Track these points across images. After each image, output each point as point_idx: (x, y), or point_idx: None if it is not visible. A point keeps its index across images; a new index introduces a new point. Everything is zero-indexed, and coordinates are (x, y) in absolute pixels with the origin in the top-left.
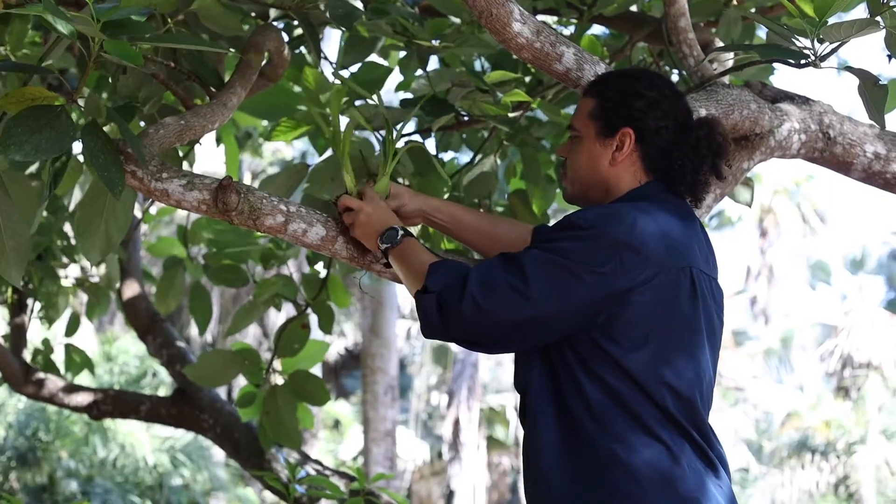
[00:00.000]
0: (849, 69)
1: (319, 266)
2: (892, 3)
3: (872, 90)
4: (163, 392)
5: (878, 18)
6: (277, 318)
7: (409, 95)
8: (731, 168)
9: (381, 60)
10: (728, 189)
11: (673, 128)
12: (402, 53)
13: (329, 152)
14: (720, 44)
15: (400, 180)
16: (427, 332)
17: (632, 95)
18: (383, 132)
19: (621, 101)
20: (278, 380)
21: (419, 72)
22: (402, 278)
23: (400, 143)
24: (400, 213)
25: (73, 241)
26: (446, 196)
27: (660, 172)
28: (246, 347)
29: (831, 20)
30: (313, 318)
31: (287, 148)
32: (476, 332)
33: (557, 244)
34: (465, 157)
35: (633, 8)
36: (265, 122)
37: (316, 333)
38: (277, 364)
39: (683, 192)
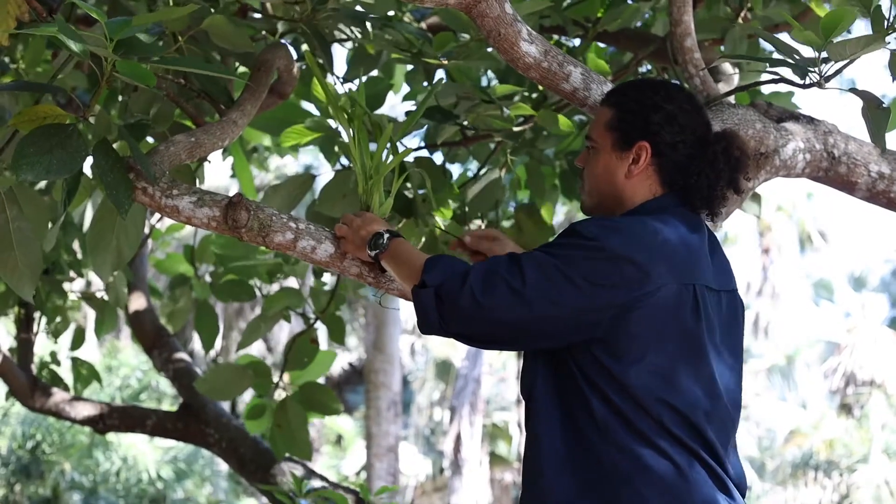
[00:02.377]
0: (853, 91)
1: (326, 277)
2: None
3: (875, 112)
4: (164, 405)
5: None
6: (282, 333)
7: (413, 107)
8: (749, 181)
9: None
10: (735, 206)
11: (691, 142)
12: (408, 67)
13: (338, 166)
14: (725, 63)
15: (407, 194)
16: (424, 327)
17: (649, 108)
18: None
19: (639, 113)
20: (288, 392)
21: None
22: (398, 280)
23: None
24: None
25: (80, 256)
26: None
27: (676, 185)
28: (254, 361)
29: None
30: (322, 332)
31: (292, 164)
32: (473, 327)
33: (560, 251)
34: (472, 166)
35: (638, 24)
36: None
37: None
38: (287, 377)
39: (699, 206)
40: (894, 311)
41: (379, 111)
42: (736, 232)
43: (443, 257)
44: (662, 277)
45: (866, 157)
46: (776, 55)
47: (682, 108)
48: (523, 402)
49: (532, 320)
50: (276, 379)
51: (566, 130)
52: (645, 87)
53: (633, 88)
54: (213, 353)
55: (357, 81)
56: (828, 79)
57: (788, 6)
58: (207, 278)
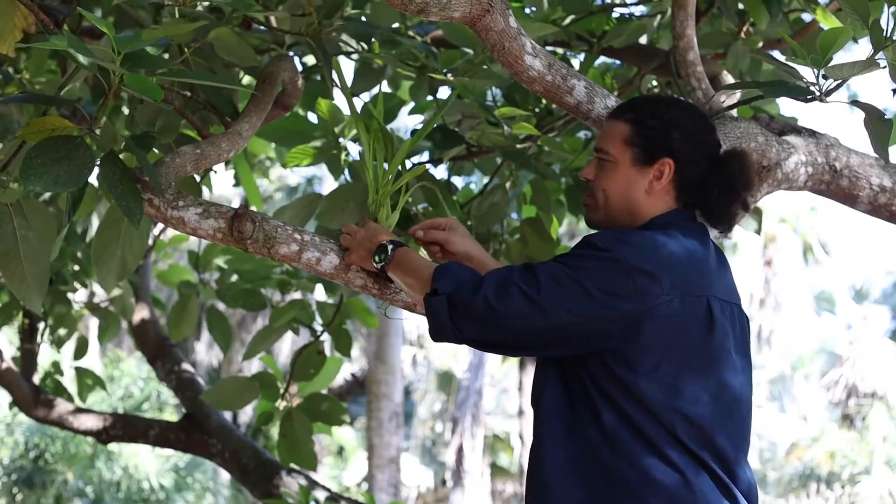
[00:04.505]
0: (855, 103)
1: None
2: (895, 38)
3: (877, 124)
4: (166, 414)
5: (880, 55)
6: (283, 344)
7: (420, 123)
8: (755, 199)
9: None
10: (738, 219)
11: (706, 160)
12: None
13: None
14: (728, 76)
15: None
16: (436, 335)
17: (671, 126)
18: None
19: (661, 130)
20: (294, 402)
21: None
22: (405, 290)
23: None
24: (446, 248)
25: (84, 266)
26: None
27: (690, 203)
28: (268, 366)
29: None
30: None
31: (292, 175)
32: (486, 332)
33: (575, 261)
34: (477, 178)
35: (643, 40)
36: (275, 148)
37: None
38: (293, 387)
39: (716, 223)
40: None
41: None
42: (739, 244)
43: (452, 265)
44: (675, 289)
45: (868, 170)
46: (776, 73)
47: (700, 126)
48: (526, 414)
49: (546, 328)
50: (284, 390)
51: (570, 152)
52: (663, 104)
53: (651, 104)
54: (215, 363)
55: (366, 94)
56: (828, 93)
57: (789, 24)
58: (213, 286)
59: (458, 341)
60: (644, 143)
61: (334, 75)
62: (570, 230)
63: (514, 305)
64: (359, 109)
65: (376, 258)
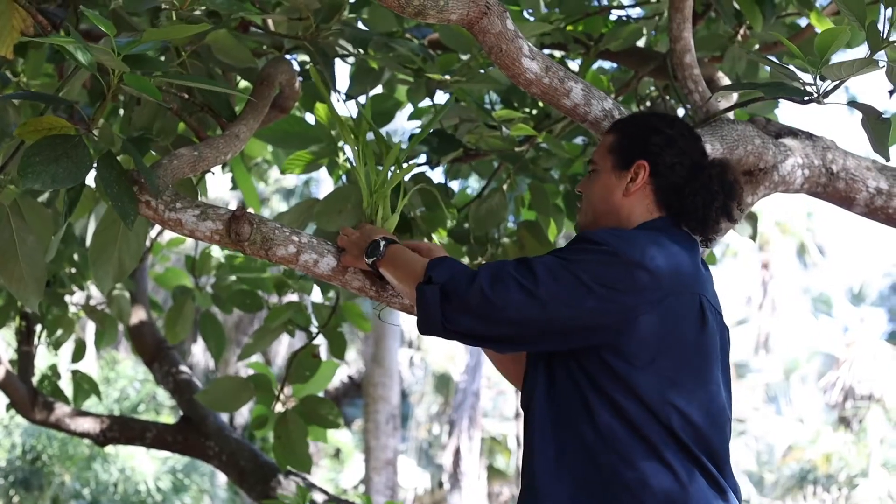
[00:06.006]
0: (852, 104)
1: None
2: (891, 39)
3: (876, 124)
4: (163, 416)
5: (877, 56)
6: (279, 346)
7: (417, 128)
8: (742, 211)
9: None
10: (719, 229)
11: (688, 165)
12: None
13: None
14: (725, 79)
15: (404, 211)
16: (425, 326)
17: (650, 131)
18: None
19: (639, 135)
20: (289, 404)
21: (427, 101)
22: (397, 286)
23: (406, 177)
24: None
25: (81, 269)
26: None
27: (672, 209)
28: (260, 370)
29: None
30: (323, 346)
31: (289, 177)
32: (480, 325)
33: (572, 255)
34: (473, 181)
35: (640, 43)
36: (272, 151)
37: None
38: (288, 390)
39: (694, 228)
40: (893, 325)
41: (385, 128)
42: (736, 246)
43: (447, 258)
44: (672, 285)
45: (865, 173)
46: (774, 75)
47: (682, 134)
48: (523, 415)
49: (544, 320)
50: (276, 391)
51: (569, 154)
52: (648, 114)
53: (636, 115)
54: (211, 365)
55: (363, 97)
56: (826, 94)
57: (786, 28)
58: (209, 289)
59: (447, 334)
60: (623, 147)
61: (332, 83)
62: (568, 235)
63: (510, 297)
64: (357, 111)
65: (368, 254)
